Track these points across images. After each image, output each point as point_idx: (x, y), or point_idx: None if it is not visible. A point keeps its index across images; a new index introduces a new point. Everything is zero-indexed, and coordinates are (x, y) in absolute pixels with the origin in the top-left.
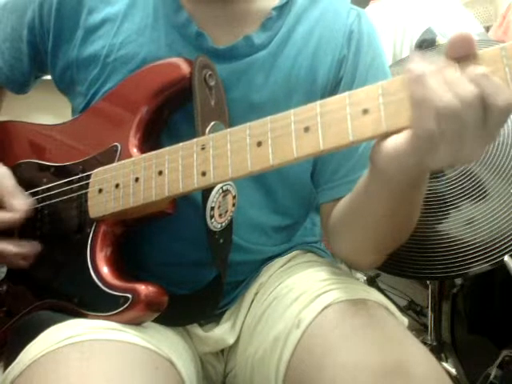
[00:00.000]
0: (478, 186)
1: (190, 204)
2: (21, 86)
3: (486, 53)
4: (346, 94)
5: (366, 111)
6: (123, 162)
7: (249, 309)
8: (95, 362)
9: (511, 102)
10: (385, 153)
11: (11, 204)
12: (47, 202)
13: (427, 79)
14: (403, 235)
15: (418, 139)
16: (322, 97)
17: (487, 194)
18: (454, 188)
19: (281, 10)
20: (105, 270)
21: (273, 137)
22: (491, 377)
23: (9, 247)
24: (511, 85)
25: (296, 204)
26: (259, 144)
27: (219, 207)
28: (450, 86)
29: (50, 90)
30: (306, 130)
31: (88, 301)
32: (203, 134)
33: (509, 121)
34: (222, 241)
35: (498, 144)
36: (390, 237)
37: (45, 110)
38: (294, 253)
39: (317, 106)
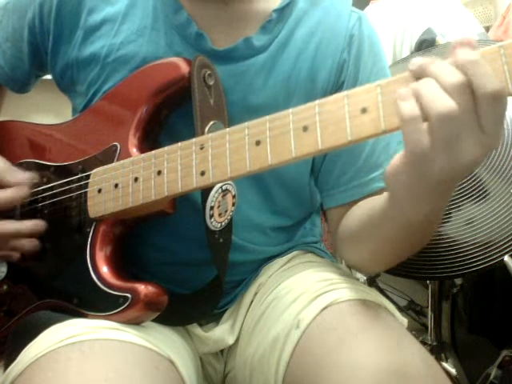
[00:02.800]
0: (478, 186)
1: (190, 204)
2: (22, 85)
3: (485, 51)
4: (345, 93)
5: (364, 110)
6: (122, 161)
7: (248, 309)
8: (95, 361)
9: (497, 89)
10: (392, 171)
11: (10, 181)
12: (47, 202)
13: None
14: (418, 248)
15: (411, 154)
16: None
17: (487, 194)
18: None
19: (281, 12)
20: (104, 269)
21: (271, 136)
22: (491, 377)
23: (7, 224)
24: (510, 83)
25: (295, 205)
26: (258, 143)
27: (219, 207)
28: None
29: (50, 89)
30: (305, 129)
31: (88, 300)
32: (202, 133)
33: (509, 121)
34: (221, 240)
35: None
36: (404, 252)
37: (45, 110)
38: (293, 253)
39: (315, 105)
